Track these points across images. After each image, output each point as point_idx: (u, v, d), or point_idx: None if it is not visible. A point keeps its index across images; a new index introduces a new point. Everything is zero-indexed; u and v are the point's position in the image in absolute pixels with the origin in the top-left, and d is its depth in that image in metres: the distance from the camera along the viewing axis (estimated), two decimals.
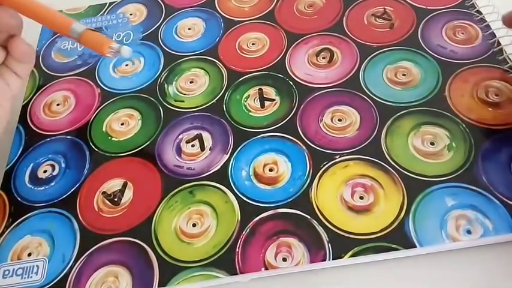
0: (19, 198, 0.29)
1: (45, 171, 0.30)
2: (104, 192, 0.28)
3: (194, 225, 0.26)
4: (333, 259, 0.24)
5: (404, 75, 0.30)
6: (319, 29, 0.34)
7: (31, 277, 0.25)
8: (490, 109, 0.27)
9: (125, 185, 0.28)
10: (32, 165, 0.30)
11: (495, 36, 0.31)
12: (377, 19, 0.34)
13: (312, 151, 0.28)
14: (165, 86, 0.33)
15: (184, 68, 0.34)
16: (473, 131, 0.27)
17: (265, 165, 0.28)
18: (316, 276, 0.24)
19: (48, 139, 0.32)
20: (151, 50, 0.36)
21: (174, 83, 0.33)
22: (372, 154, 0.27)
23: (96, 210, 0.28)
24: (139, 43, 0.36)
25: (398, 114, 0.28)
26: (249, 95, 0.31)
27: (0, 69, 0.27)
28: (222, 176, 0.28)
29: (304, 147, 0.28)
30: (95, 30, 0.26)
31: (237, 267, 0.24)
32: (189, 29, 0.37)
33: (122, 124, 0.32)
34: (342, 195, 0.26)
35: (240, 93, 0.31)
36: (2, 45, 0.27)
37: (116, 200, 0.28)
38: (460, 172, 0.25)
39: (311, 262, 0.24)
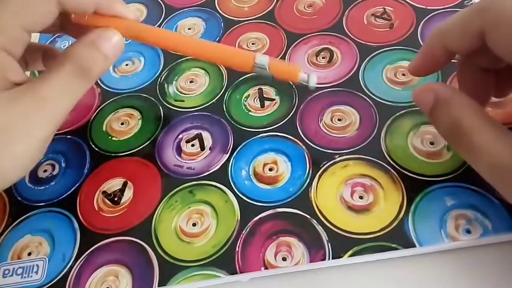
0: (19, 198, 0.29)
1: (45, 171, 0.30)
2: (104, 192, 0.28)
3: (194, 224, 0.26)
4: (332, 258, 0.24)
5: (404, 75, 0.30)
6: (319, 28, 0.34)
7: (31, 276, 0.25)
8: (489, 108, 0.27)
9: (125, 185, 0.28)
10: None
11: None
12: (377, 19, 0.34)
13: (312, 151, 0.28)
14: (165, 85, 0.33)
15: (185, 67, 0.34)
16: None
17: (265, 164, 0.28)
18: (316, 276, 0.24)
19: None
20: (151, 50, 0.36)
21: (174, 82, 0.33)
22: (371, 154, 0.27)
23: (96, 209, 0.28)
24: (140, 43, 0.36)
25: (398, 113, 0.28)
26: (249, 95, 0.31)
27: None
28: (222, 176, 0.28)
29: (304, 147, 0.28)
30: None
31: (237, 266, 0.24)
32: (189, 28, 0.37)
33: (122, 124, 0.32)
34: (342, 195, 0.26)
35: (240, 93, 0.32)
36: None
37: (116, 199, 0.28)
38: (459, 172, 0.25)
39: (311, 261, 0.24)
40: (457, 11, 0.33)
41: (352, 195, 0.26)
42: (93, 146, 0.31)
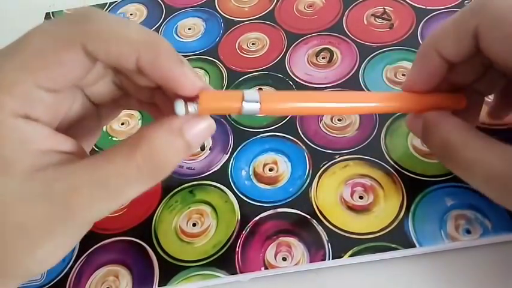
0: None
1: None
2: None
3: (194, 224, 0.26)
4: (332, 258, 0.24)
5: (404, 75, 0.30)
6: (319, 29, 0.34)
7: None
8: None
9: None
10: None
11: None
12: (377, 19, 0.34)
13: (312, 151, 0.28)
14: None
15: None
16: None
17: (265, 165, 0.28)
18: (316, 276, 0.24)
19: None
20: None
21: None
22: (371, 154, 0.27)
23: None
24: None
25: (398, 113, 0.28)
26: None
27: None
28: (222, 176, 0.28)
29: (304, 147, 0.28)
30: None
31: (237, 266, 0.24)
32: (189, 29, 0.37)
33: (122, 124, 0.32)
34: (342, 195, 0.26)
35: None
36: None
37: None
38: None
39: (311, 261, 0.24)
40: (456, 11, 0.33)
41: (352, 195, 0.26)
42: (94, 147, 0.31)
